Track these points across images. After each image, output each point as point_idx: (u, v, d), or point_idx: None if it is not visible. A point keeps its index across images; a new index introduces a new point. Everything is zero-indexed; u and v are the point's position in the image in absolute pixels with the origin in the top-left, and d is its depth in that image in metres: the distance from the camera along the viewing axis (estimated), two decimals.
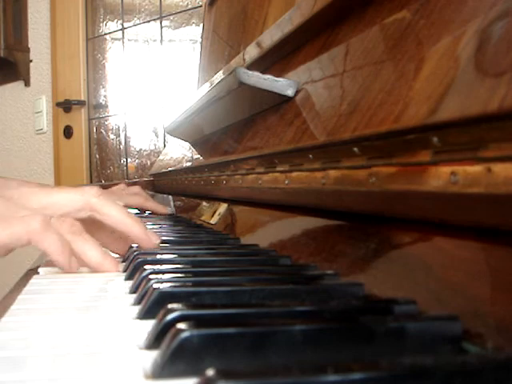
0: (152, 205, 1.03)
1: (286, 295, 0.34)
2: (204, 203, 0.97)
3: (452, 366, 0.19)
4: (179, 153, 1.25)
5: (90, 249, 0.52)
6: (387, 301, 0.30)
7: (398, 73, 0.36)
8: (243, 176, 0.65)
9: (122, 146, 2.62)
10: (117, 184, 1.09)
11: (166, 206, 1.12)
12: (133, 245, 0.58)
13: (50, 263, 0.53)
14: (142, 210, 1.05)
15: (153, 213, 1.05)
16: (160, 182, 1.41)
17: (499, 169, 0.24)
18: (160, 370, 0.23)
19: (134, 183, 1.59)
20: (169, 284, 0.34)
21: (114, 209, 0.58)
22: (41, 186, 0.61)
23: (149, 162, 2.50)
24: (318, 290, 0.35)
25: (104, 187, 0.82)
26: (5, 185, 0.58)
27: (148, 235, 0.58)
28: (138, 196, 1.01)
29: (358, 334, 0.24)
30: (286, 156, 0.52)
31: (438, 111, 0.28)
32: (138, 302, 0.37)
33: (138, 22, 2.56)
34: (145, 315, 0.33)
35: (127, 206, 0.90)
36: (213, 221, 0.83)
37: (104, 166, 2.68)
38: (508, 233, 0.25)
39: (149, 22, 2.51)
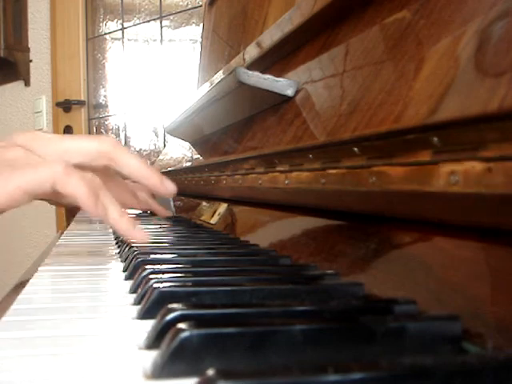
0: (156, 205, 1.01)
1: (286, 295, 0.34)
2: (204, 203, 0.97)
3: (452, 365, 0.19)
4: (179, 153, 1.25)
5: (110, 203, 0.52)
6: (387, 301, 0.30)
7: (398, 73, 0.36)
8: (243, 176, 0.65)
9: None
10: None
11: (166, 206, 1.11)
12: (133, 245, 0.58)
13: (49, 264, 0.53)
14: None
15: (154, 213, 1.04)
16: None
17: (499, 169, 0.24)
18: (160, 370, 0.23)
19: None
20: (169, 284, 0.34)
21: (133, 158, 0.57)
22: (54, 135, 0.61)
23: (149, 162, 2.50)
24: (318, 290, 0.35)
25: None
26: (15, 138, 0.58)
27: (164, 184, 0.59)
28: (145, 192, 0.99)
29: (358, 334, 0.24)
30: (286, 156, 0.52)
31: (438, 111, 0.28)
32: (137, 301, 0.37)
33: (137, 21, 2.56)
34: (145, 315, 0.33)
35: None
36: (213, 221, 0.83)
37: None
38: (508, 233, 0.25)
39: (149, 21, 2.51)
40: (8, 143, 0.53)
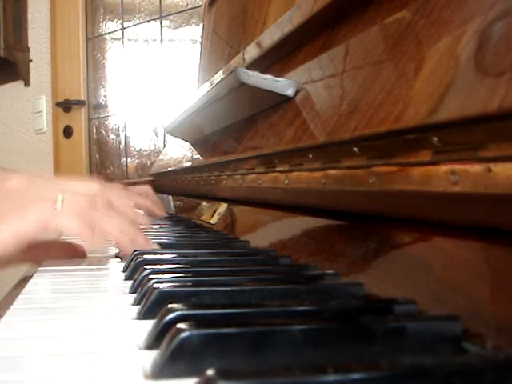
0: (157, 211, 0.98)
1: (285, 295, 0.34)
2: (204, 203, 0.97)
3: (452, 365, 0.19)
4: (179, 153, 1.25)
5: (108, 224, 0.51)
6: (387, 301, 0.30)
7: (398, 73, 0.36)
8: (243, 176, 0.65)
9: (121, 146, 2.62)
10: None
11: (166, 206, 1.10)
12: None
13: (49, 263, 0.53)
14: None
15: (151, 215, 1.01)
16: (160, 182, 1.41)
17: (499, 169, 0.24)
18: (160, 370, 0.23)
19: (134, 183, 1.59)
20: (169, 284, 0.34)
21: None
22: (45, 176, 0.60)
23: (149, 162, 2.50)
24: (318, 290, 0.35)
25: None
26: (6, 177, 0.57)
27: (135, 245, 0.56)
28: (150, 201, 0.96)
29: (358, 333, 0.24)
30: (286, 156, 0.51)
31: (437, 111, 0.28)
32: (137, 301, 0.37)
33: (137, 21, 2.56)
34: (145, 315, 0.33)
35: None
36: (213, 221, 0.83)
37: (104, 165, 2.68)
38: (508, 233, 0.25)
39: (149, 21, 2.51)
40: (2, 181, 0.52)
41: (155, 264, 0.44)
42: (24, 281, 0.49)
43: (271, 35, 0.66)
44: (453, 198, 0.28)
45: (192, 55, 2.30)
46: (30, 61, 2.72)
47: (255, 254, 0.53)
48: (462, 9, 0.32)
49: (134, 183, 1.54)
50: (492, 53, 0.27)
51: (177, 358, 0.23)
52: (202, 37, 1.37)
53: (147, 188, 1.00)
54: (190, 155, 1.12)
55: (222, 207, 0.82)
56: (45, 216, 0.47)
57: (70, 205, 0.49)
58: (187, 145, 1.19)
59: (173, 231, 0.79)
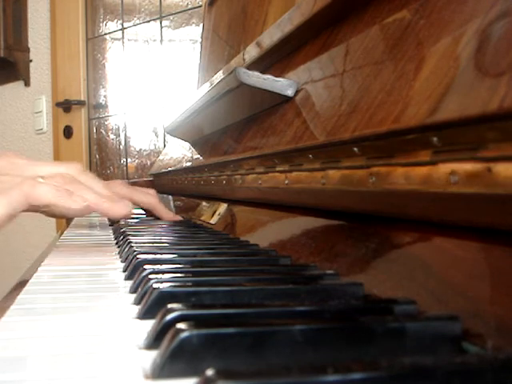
0: (163, 210, 0.98)
1: (285, 295, 0.34)
2: (204, 203, 0.97)
3: (452, 365, 0.19)
4: (179, 153, 1.25)
5: (86, 191, 0.54)
6: (387, 301, 0.30)
7: (397, 73, 0.36)
8: (243, 176, 0.65)
9: (121, 146, 2.62)
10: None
11: (166, 206, 1.10)
12: (132, 244, 0.58)
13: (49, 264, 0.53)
14: (149, 213, 1.01)
15: (159, 218, 0.99)
16: (160, 182, 1.41)
17: (499, 169, 0.24)
18: (159, 370, 0.23)
19: (134, 183, 1.59)
20: (169, 284, 0.34)
21: (95, 183, 0.60)
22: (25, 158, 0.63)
23: (149, 162, 2.50)
24: (318, 290, 0.35)
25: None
26: None
27: (116, 206, 0.60)
28: (151, 195, 0.96)
29: (358, 334, 0.24)
30: (286, 156, 0.52)
31: (437, 111, 0.28)
32: (137, 301, 0.37)
33: (137, 22, 2.56)
34: (144, 315, 0.33)
35: (138, 204, 0.89)
36: (213, 221, 0.83)
37: (104, 166, 2.68)
38: (508, 233, 0.25)
39: (149, 21, 2.51)
40: None
41: (155, 264, 0.44)
42: (24, 281, 0.49)
43: (271, 35, 0.66)
44: (453, 198, 0.28)
45: (192, 55, 2.30)
46: (30, 61, 2.73)
47: (255, 254, 0.53)
48: (462, 9, 0.32)
49: (134, 183, 1.54)
50: (492, 53, 0.27)
51: (177, 358, 0.23)
52: (201, 37, 1.37)
53: (152, 191, 0.98)
54: (189, 155, 1.12)
55: (222, 207, 0.82)
56: (24, 192, 0.50)
57: (48, 180, 0.53)
58: (187, 145, 1.19)
59: (173, 231, 0.79)
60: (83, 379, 0.23)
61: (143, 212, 1.02)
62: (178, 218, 0.94)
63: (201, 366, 0.22)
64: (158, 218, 0.96)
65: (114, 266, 0.55)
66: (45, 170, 0.58)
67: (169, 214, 0.94)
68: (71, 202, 0.52)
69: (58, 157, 2.65)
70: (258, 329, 0.23)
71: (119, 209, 0.58)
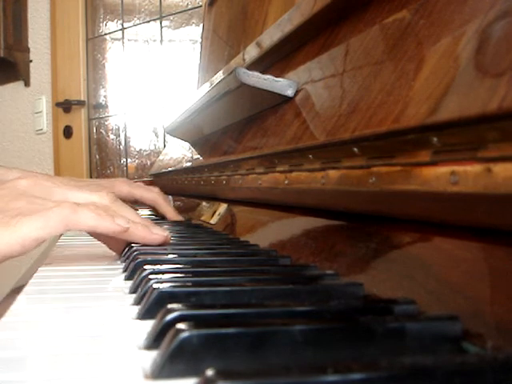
0: (167, 206, 0.96)
1: (285, 295, 0.34)
2: (204, 203, 0.97)
3: (452, 365, 0.19)
4: (179, 153, 1.25)
5: (126, 212, 0.54)
6: (387, 301, 0.30)
7: (397, 73, 0.36)
8: (243, 176, 0.65)
9: (121, 146, 2.62)
10: None
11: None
12: (132, 244, 0.58)
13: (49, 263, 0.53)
14: (154, 211, 1.01)
15: (164, 218, 0.99)
16: (160, 182, 1.41)
17: (499, 169, 0.24)
18: (159, 371, 0.23)
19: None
20: (169, 284, 0.34)
21: (128, 212, 0.59)
22: (57, 179, 0.62)
23: (149, 162, 2.50)
24: (318, 290, 0.35)
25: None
26: (5, 174, 0.59)
27: (153, 234, 0.58)
28: (155, 193, 0.96)
29: (358, 334, 0.24)
30: (286, 156, 0.51)
31: (437, 111, 0.28)
32: (137, 301, 0.37)
33: (137, 22, 2.56)
34: (144, 315, 0.33)
35: (141, 201, 0.90)
36: (213, 221, 0.83)
37: (104, 166, 2.68)
38: (508, 233, 0.25)
39: (149, 22, 2.51)
40: (9, 188, 0.53)
41: (155, 264, 0.44)
42: (23, 281, 0.49)
43: (271, 35, 0.66)
44: (453, 198, 0.28)
45: (192, 55, 2.30)
46: (30, 61, 2.73)
47: (255, 254, 0.53)
48: (462, 9, 0.32)
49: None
50: (492, 53, 0.27)
51: (176, 358, 0.23)
52: (201, 37, 1.37)
53: (157, 189, 0.98)
54: (189, 155, 1.12)
55: (222, 207, 0.82)
56: (64, 218, 0.49)
57: (86, 205, 0.52)
58: (187, 145, 1.19)
59: (173, 231, 0.79)
60: (83, 379, 0.23)
61: (144, 213, 1.02)
62: (180, 217, 0.95)
63: (201, 366, 0.22)
64: (162, 218, 0.97)
65: (114, 267, 0.55)
66: (76, 196, 0.56)
67: (172, 211, 0.94)
68: (111, 226, 0.51)
69: (57, 157, 2.65)
70: (257, 329, 0.23)
71: (157, 236, 0.57)
